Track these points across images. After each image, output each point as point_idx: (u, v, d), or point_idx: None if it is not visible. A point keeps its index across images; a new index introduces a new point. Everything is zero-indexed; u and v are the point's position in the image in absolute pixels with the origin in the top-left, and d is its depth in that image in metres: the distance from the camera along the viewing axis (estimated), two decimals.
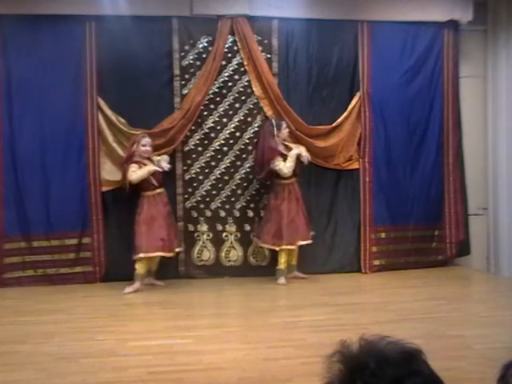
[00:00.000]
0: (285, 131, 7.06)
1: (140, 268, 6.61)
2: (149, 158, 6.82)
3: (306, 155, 7.03)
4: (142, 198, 6.76)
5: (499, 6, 7.86)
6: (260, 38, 7.37)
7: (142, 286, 6.60)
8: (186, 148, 7.32)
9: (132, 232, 6.89)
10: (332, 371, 1.10)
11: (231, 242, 7.44)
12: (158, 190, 6.79)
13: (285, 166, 6.92)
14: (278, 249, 7.00)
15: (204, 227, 7.35)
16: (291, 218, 6.97)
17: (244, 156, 7.41)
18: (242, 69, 7.36)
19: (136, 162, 6.70)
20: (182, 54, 7.26)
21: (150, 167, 6.70)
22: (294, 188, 7.06)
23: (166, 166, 6.81)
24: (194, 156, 7.33)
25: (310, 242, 7.11)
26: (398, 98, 7.62)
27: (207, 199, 7.38)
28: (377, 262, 7.58)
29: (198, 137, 7.35)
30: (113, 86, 7.10)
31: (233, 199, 7.41)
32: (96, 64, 7.04)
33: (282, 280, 6.95)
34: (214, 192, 7.38)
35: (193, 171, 7.33)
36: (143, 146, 6.73)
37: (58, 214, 6.99)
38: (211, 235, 7.39)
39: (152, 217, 6.67)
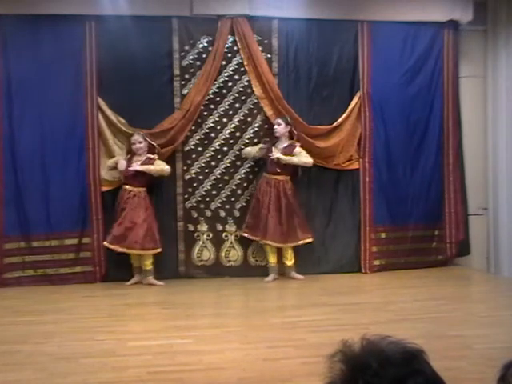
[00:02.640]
0: (278, 127, 7.10)
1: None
2: (152, 160, 6.95)
3: (273, 155, 7.06)
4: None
5: (499, 6, 7.86)
6: (260, 38, 7.37)
7: (138, 279, 6.92)
8: (186, 148, 7.32)
9: None
10: (334, 371, 1.10)
11: (231, 242, 7.44)
12: (127, 187, 6.90)
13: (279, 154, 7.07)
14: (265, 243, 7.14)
15: (204, 227, 7.35)
16: (278, 216, 7.04)
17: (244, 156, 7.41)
18: (242, 69, 7.36)
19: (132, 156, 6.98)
20: (182, 54, 7.26)
21: (116, 159, 6.98)
22: (283, 186, 7.10)
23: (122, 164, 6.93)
24: (193, 156, 7.33)
25: (297, 244, 7.15)
26: (398, 98, 7.62)
27: (207, 199, 7.38)
28: (377, 262, 7.57)
29: (198, 137, 7.35)
30: (113, 85, 7.09)
31: (233, 199, 7.41)
32: (96, 64, 7.04)
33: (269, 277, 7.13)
34: (213, 192, 7.38)
35: (193, 171, 7.33)
36: (132, 144, 6.92)
37: (58, 214, 6.99)
38: (211, 235, 7.38)
39: (119, 210, 6.89)
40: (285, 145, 7.12)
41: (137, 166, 6.83)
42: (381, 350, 1.09)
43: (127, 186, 6.90)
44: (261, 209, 7.06)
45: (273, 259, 7.16)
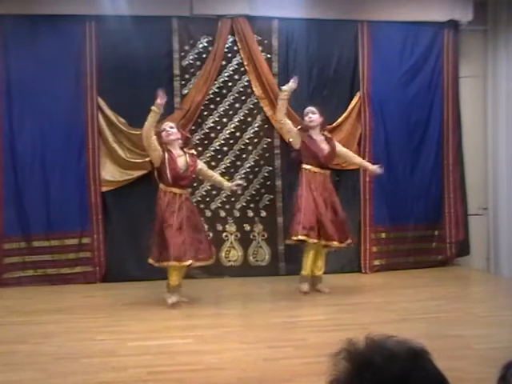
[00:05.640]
0: (313, 116, 6.48)
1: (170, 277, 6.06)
2: (182, 149, 6.08)
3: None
4: (158, 192, 6.02)
5: (499, 6, 7.86)
6: (260, 38, 7.37)
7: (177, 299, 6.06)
8: None
9: (132, 232, 6.93)
10: (338, 368, 1.10)
11: (231, 242, 7.44)
12: (175, 190, 5.96)
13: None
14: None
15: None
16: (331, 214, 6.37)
17: (244, 156, 7.41)
18: (242, 69, 7.36)
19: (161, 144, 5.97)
20: (182, 54, 7.26)
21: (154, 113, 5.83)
22: (328, 180, 6.51)
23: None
24: None
25: (346, 243, 6.49)
26: (397, 98, 7.62)
27: (207, 199, 7.38)
28: (377, 262, 7.58)
29: (198, 137, 7.35)
30: (113, 85, 7.10)
31: (233, 199, 7.41)
32: (96, 64, 7.05)
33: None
34: (214, 192, 7.38)
35: None
36: (162, 130, 6.03)
37: (58, 214, 7.00)
38: (211, 235, 7.37)
39: (162, 218, 5.89)
40: (322, 137, 6.51)
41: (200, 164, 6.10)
42: (385, 347, 1.10)
43: (178, 190, 5.99)
44: (315, 207, 6.27)
45: (309, 269, 6.45)
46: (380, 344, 1.11)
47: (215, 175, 6.54)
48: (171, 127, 6.05)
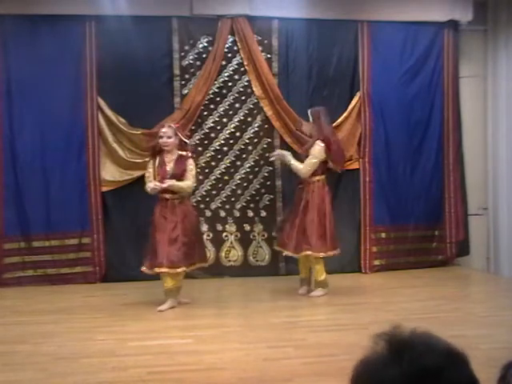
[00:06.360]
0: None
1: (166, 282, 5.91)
2: (185, 158, 5.96)
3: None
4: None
5: (499, 6, 7.87)
6: (260, 38, 7.37)
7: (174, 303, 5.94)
8: None
9: (132, 232, 6.93)
10: (375, 348, 1.11)
11: (231, 242, 7.44)
12: (166, 195, 5.88)
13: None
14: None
15: (204, 227, 7.34)
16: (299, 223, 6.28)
17: (244, 156, 7.41)
18: (242, 69, 7.36)
19: (156, 158, 5.93)
20: (182, 54, 7.27)
21: (150, 184, 5.85)
22: (303, 187, 6.39)
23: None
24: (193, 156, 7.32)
25: (320, 255, 6.30)
26: (398, 98, 7.62)
27: (207, 199, 7.38)
28: (377, 262, 7.58)
29: (198, 137, 7.35)
30: (113, 86, 7.09)
31: (233, 199, 7.41)
32: (96, 64, 7.05)
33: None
34: (213, 192, 7.39)
35: None
36: (160, 137, 5.90)
37: (58, 214, 6.99)
38: (211, 235, 7.39)
39: (157, 223, 5.88)
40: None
41: (164, 183, 5.77)
42: (429, 337, 1.13)
43: (169, 195, 5.88)
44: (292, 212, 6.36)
45: (302, 271, 6.48)
46: (424, 335, 1.13)
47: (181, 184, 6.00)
48: (169, 137, 5.86)
